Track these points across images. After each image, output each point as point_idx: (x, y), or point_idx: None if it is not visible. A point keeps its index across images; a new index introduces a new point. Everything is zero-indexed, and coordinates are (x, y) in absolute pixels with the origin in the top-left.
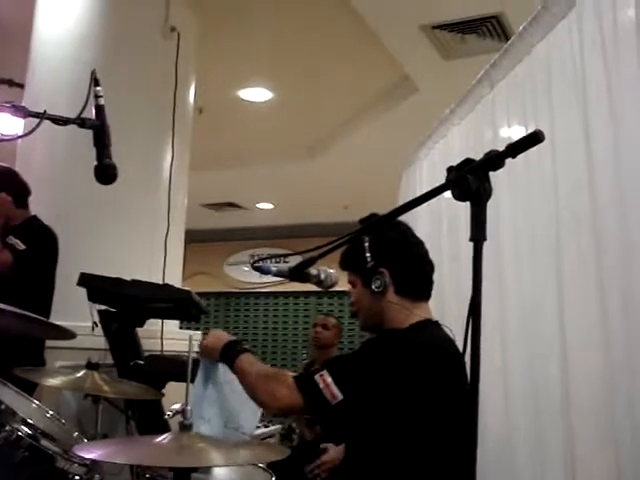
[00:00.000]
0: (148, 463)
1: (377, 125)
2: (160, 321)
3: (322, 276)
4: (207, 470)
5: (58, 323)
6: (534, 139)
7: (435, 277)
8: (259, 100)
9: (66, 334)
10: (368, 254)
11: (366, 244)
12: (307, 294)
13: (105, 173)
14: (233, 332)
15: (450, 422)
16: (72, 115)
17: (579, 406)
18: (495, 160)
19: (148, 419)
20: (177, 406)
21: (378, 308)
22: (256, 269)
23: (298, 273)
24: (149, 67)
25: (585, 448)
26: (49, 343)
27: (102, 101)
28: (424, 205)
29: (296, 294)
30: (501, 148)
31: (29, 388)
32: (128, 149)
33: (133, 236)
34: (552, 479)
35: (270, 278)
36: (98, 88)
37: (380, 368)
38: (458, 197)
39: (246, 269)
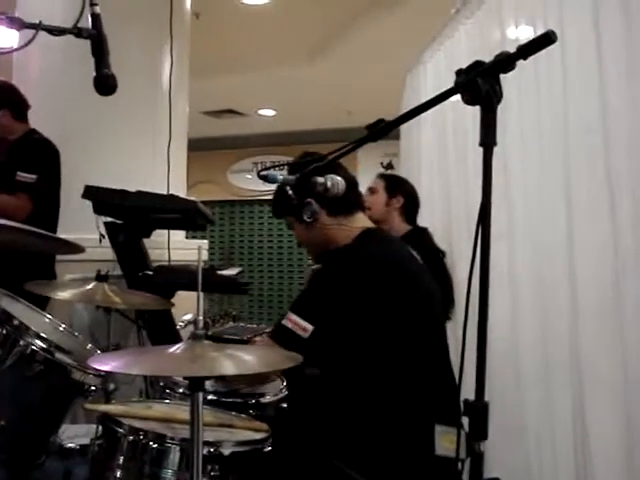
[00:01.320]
0: (163, 373)
1: (379, 27)
2: (167, 231)
3: (329, 184)
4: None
5: (65, 237)
6: (546, 40)
7: (442, 182)
8: (258, 3)
9: (75, 248)
10: (290, 192)
11: (288, 188)
12: None
13: (104, 84)
14: (238, 240)
15: (409, 326)
16: (67, 25)
17: (585, 308)
18: (506, 62)
19: (159, 328)
20: (189, 316)
21: (319, 236)
22: (262, 178)
23: (305, 181)
24: None
25: (591, 348)
26: (58, 257)
27: (98, 9)
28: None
29: None
30: (509, 49)
31: (41, 302)
32: (125, 58)
33: (135, 146)
34: (558, 381)
35: (273, 185)
36: None
37: (335, 287)
38: (468, 101)
39: (249, 177)
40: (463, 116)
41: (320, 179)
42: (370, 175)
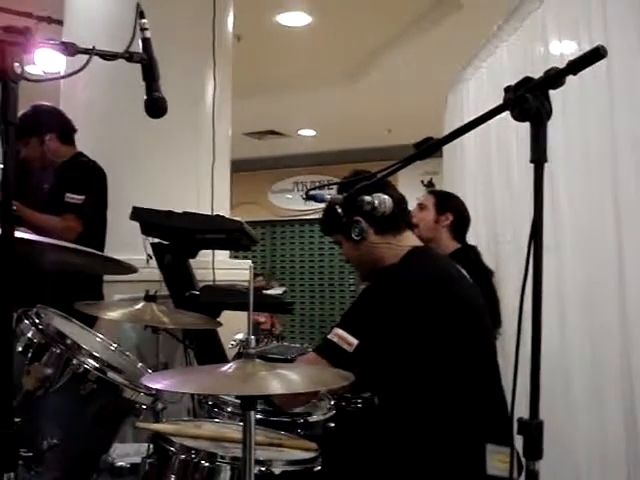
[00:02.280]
0: (216, 392)
1: (419, 45)
2: (211, 251)
3: (376, 202)
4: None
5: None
6: (596, 55)
7: (486, 200)
8: (298, 25)
9: (128, 269)
10: (340, 210)
11: (337, 206)
12: None
13: (156, 106)
14: (280, 260)
15: (458, 345)
16: (115, 50)
17: (636, 327)
18: (555, 77)
19: (206, 348)
20: (240, 336)
21: (367, 254)
22: (310, 198)
23: (352, 201)
24: None
25: None
26: (106, 277)
27: (148, 34)
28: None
29: None
30: (552, 65)
31: (89, 322)
32: (169, 81)
33: (180, 168)
34: (610, 395)
35: (314, 205)
36: (144, 20)
37: (382, 304)
38: (517, 117)
39: (290, 196)
40: (507, 133)
41: (367, 198)
42: (410, 193)
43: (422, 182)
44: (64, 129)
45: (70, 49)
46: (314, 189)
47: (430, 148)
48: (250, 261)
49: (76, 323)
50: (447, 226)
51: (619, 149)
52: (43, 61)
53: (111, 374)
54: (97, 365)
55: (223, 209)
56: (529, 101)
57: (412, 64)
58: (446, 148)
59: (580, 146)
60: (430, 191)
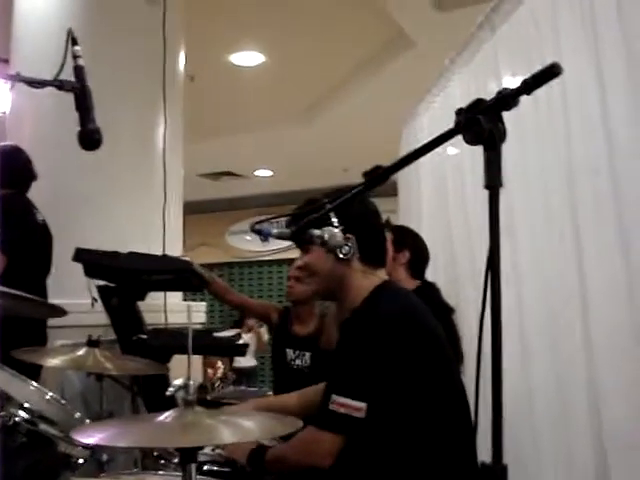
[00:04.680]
0: (152, 445)
1: (374, 83)
2: (163, 294)
3: (326, 236)
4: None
5: (58, 302)
6: (551, 72)
7: (443, 235)
8: (251, 64)
9: (56, 311)
10: (335, 219)
11: (332, 214)
12: None
13: (89, 138)
14: None
15: (447, 382)
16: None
17: (600, 352)
18: (509, 98)
19: (155, 395)
20: (179, 381)
21: (341, 274)
22: (256, 232)
23: (301, 234)
24: (135, 34)
25: (609, 391)
26: (50, 322)
27: (81, 61)
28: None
29: None
30: None
31: (34, 370)
32: (118, 121)
33: (130, 209)
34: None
35: (273, 245)
36: (77, 48)
37: (372, 354)
38: (470, 140)
39: (248, 238)
40: (461, 166)
41: (317, 232)
42: None
43: None
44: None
45: None
46: (260, 223)
47: (381, 176)
48: (201, 303)
49: (7, 371)
50: (404, 264)
51: (576, 177)
52: None
53: (43, 426)
54: (28, 417)
55: (176, 251)
56: (481, 123)
57: (367, 102)
58: (401, 186)
59: (536, 175)
60: (389, 227)
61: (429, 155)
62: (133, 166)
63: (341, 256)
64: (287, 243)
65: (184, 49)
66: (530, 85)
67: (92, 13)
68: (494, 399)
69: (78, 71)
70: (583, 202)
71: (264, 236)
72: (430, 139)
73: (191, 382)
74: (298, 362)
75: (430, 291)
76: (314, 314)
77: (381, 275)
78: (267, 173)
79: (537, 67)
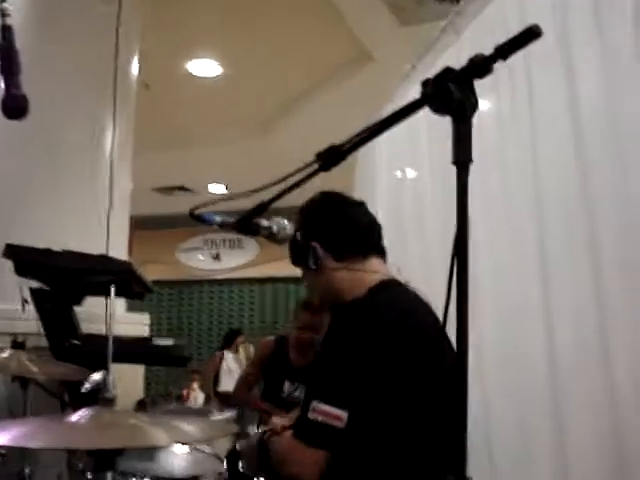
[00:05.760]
0: (62, 446)
1: (332, 98)
2: (104, 303)
3: (274, 228)
4: (149, 457)
5: None
6: (529, 35)
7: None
8: (208, 75)
9: None
10: (297, 233)
11: (297, 233)
12: (263, 281)
13: (14, 105)
14: (187, 322)
15: (431, 393)
16: None
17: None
18: (481, 65)
19: (87, 402)
20: (97, 376)
21: (326, 283)
22: (196, 219)
23: (246, 223)
24: (86, 34)
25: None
26: None
27: (9, 20)
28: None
29: (251, 281)
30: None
31: None
32: (64, 122)
33: (70, 215)
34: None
35: (225, 264)
36: (5, 5)
37: (358, 357)
38: (438, 110)
39: (201, 257)
40: (421, 180)
41: (264, 222)
42: None
43: None
44: None
45: None
46: (202, 205)
47: (337, 156)
48: (145, 314)
49: None
50: None
51: (544, 198)
52: None
53: None
54: None
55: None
56: (451, 91)
57: (325, 115)
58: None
59: (501, 194)
60: None
61: (385, 177)
62: (77, 169)
63: (313, 267)
64: (240, 261)
65: (139, 54)
66: (506, 50)
67: (39, 8)
68: (459, 408)
69: (6, 30)
70: (551, 230)
71: (206, 224)
72: (395, 110)
73: (110, 377)
74: (297, 394)
75: None
76: (313, 344)
77: (375, 266)
78: (221, 189)
79: (503, 71)
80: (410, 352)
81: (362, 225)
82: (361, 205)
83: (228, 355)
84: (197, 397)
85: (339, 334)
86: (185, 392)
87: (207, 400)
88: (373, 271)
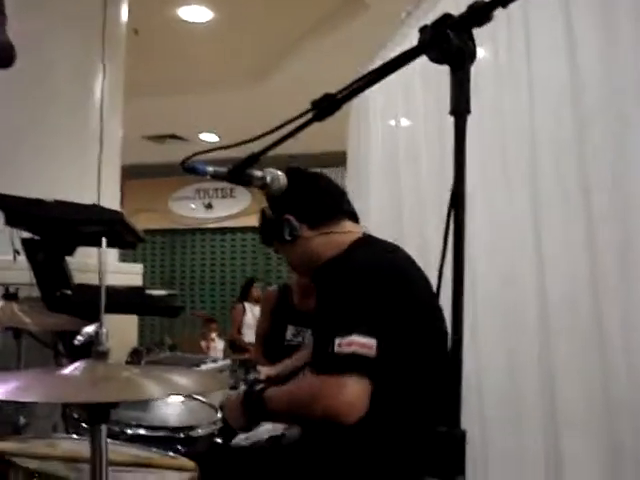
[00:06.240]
0: (54, 400)
1: (327, 43)
2: (96, 253)
3: (268, 178)
4: (143, 407)
5: None
6: None
7: (394, 219)
8: (199, 20)
9: None
10: (269, 213)
11: (266, 209)
12: (255, 229)
13: (1, 52)
14: (180, 270)
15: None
16: None
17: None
18: (481, 12)
19: (81, 355)
20: (90, 329)
21: (306, 252)
22: (188, 170)
23: (239, 174)
24: None
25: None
26: None
27: None
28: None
29: (244, 229)
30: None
31: None
32: (53, 66)
33: (60, 164)
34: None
35: (217, 213)
36: None
37: (362, 290)
38: (435, 59)
39: (193, 206)
40: (415, 142)
41: (258, 173)
42: None
43: None
44: None
45: None
46: (194, 156)
47: (332, 104)
48: (138, 264)
49: None
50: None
51: (538, 148)
52: None
53: None
54: None
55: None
56: (450, 39)
57: (320, 62)
58: (350, 160)
59: (496, 143)
60: None
61: (380, 127)
62: (67, 117)
63: (289, 239)
64: (232, 210)
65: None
66: None
67: None
68: (453, 361)
69: None
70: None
71: (198, 174)
72: (391, 58)
73: (103, 330)
74: (298, 339)
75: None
76: None
77: (348, 227)
78: (213, 138)
79: (503, 16)
80: (399, 287)
81: (331, 192)
82: (324, 176)
83: (251, 307)
84: (217, 347)
85: (337, 279)
86: (204, 343)
87: (232, 348)
88: (347, 232)
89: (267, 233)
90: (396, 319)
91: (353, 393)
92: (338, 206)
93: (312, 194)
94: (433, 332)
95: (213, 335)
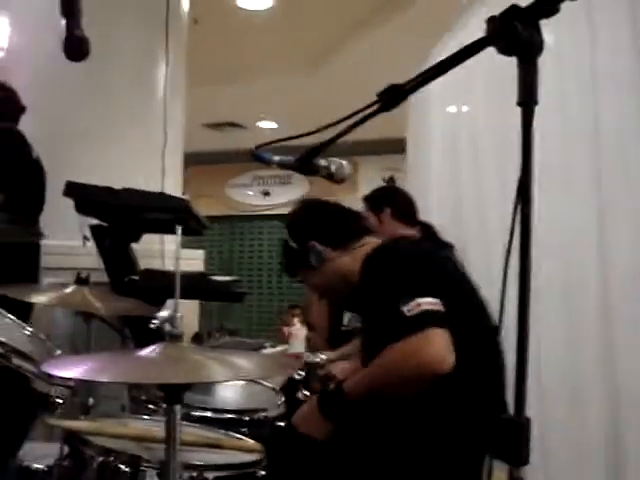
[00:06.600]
0: (131, 380)
1: (385, 30)
2: (160, 240)
3: (332, 168)
4: (207, 390)
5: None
6: None
7: (455, 205)
8: (259, 8)
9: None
10: (292, 244)
11: (290, 240)
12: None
13: (76, 46)
14: (238, 256)
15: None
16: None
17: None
18: (549, 4)
19: (146, 338)
20: (164, 313)
21: (336, 272)
22: (257, 159)
23: (305, 163)
24: None
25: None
26: (44, 264)
27: None
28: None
29: None
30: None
31: (25, 308)
32: (117, 59)
33: (127, 152)
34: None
35: (273, 200)
36: None
37: (408, 265)
38: (503, 50)
39: (250, 192)
40: (476, 128)
41: (323, 162)
42: (371, 188)
43: (383, 179)
44: None
45: None
46: (261, 146)
47: (398, 95)
48: (199, 251)
49: None
50: (391, 220)
51: (602, 136)
52: None
53: (17, 361)
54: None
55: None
56: (518, 31)
57: (378, 50)
58: (410, 145)
59: (559, 131)
60: (362, 199)
61: (439, 112)
62: (132, 107)
63: (316, 264)
64: (289, 197)
65: None
66: None
67: None
68: (518, 349)
69: None
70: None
71: (266, 163)
72: (457, 50)
73: (178, 314)
74: (355, 324)
75: (426, 233)
76: None
77: (370, 243)
78: (271, 125)
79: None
80: (438, 267)
81: (347, 213)
82: (335, 202)
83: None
84: (299, 335)
85: (387, 259)
86: (286, 330)
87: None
88: (372, 242)
89: (292, 263)
90: (443, 291)
91: (440, 342)
92: (355, 224)
93: (329, 217)
94: (475, 312)
95: (295, 320)
